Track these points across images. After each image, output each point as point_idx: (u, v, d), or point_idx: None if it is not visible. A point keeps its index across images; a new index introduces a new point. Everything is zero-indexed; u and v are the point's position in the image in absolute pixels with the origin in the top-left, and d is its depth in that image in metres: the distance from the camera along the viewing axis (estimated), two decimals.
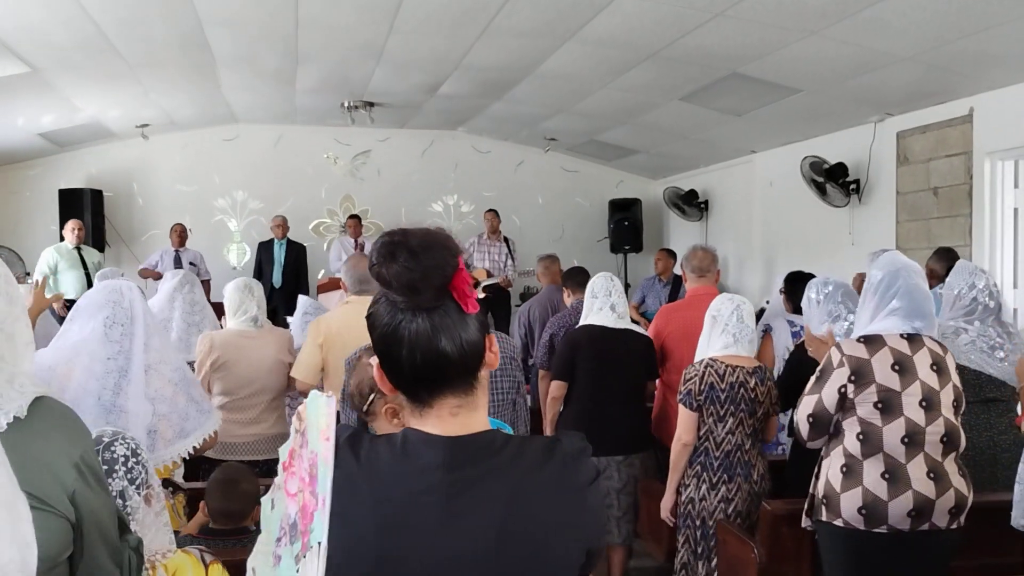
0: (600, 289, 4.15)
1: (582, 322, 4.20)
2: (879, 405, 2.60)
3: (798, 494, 3.00)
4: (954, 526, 2.63)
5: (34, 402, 1.36)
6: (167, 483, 2.59)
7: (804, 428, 2.72)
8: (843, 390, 2.63)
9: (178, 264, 8.45)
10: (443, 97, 8.17)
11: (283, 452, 1.31)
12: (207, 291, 7.36)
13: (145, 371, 2.52)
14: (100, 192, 9.37)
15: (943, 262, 4.87)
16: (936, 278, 4.79)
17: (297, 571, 1.21)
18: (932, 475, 2.58)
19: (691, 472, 3.43)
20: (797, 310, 4.29)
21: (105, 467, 1.71)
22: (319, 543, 1.18)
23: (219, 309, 4.94)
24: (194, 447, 2.62)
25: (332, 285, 8.25)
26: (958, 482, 2.63)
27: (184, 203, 9.76)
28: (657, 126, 8.20)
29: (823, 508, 2.68)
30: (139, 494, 1.74)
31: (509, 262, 9.31)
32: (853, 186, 6.88)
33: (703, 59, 5.90)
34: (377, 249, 1.21)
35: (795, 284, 4.51)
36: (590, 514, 1.27)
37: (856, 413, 2.63)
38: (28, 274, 7.93)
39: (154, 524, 1.76)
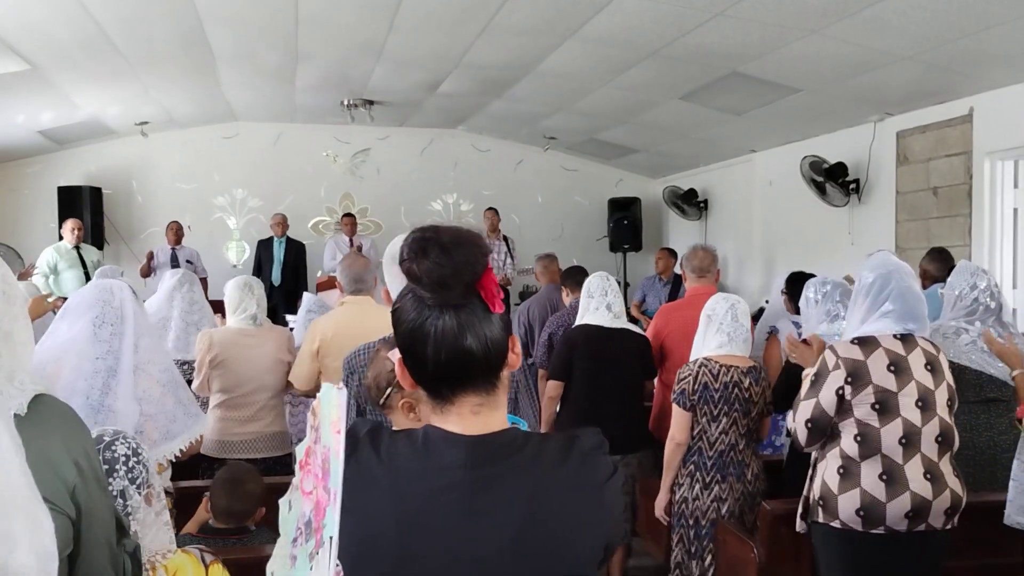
0: (596, 288, 4.14)
1: (578, 322, 4.19)
2: (876, 406, 2.59)
3: (796, 494, 3.00)
4: (948, 526, 2.63)
5: (34, 399, 1.37)
6: None
7: (803, 433, 2.70)
8: (840, 392, 2.62)
9: (175, 262, 8.44)
10: (443, 95, 8.17)
11: (300, 451, 1.31)
12: (204, 289, 7.35)
13: (134, 371, 2.52)
14: (99, 190, 9.37)
15: (936, 263, 4.85)
16: (929, 279, 4.77)
17: (311, 568, 1.21)
18: (929, 476, 2.58)
19: (685, 471, 3.44)
20: (799, 311, 4.28)
21: (106, 466, 1.71)
22: (331, 538, 1.18)
23: (217, 307, 4.95)
24: (180, 450, 2.61)
25: (331, 283, 8.24)
26: (953, 482, 2.63)
27: (183, 201, 9.75)
28: (657, 125, 8.20)
29: (819, 510, 2.67)
30: (140, 493, 1.74)
31: (508, 261, 9.32)
32: (853, 186, 6.88)
33: (703, 58, 5.90)
34: (408, 245, 1.21)
35: (797, 285, 4.49)
36: (608, 510, 1.28)
37: (853, 415, 2.62)
38: (33, 265, 7.89)
39: (155, 524, 1.75)
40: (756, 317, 5.53)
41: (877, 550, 2.59)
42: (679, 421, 3.43)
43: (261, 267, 9.23)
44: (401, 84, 7.82)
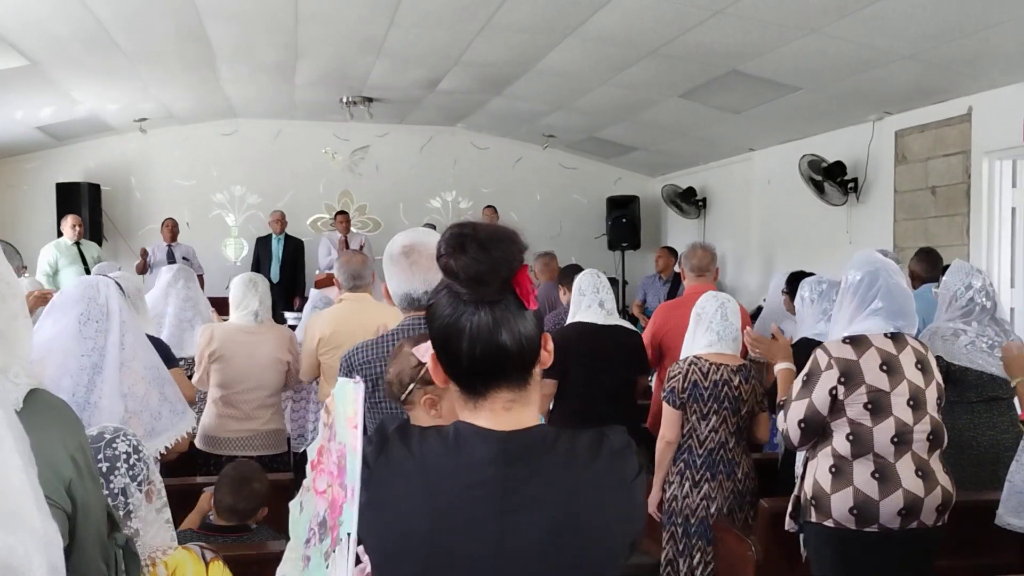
0: (588, 286, 4.13)
1: (570, 319, 4.17)
2: (869, 406, 2.59)
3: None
4: (940, 523, 2.64)
5: (28, 394, 1.37)
6: None
7: (795, 433, 2.70)
8: (834, 392, 2.62)
9: (171, 259, 8.43)
10: (442, 93, 8.17)
11: (311, 451, 1.31)
12: (200, 285, 7.34)
13: (119, 368, 2.51)
14: (98, 186, 9.35)
15: (924, 263, 4.83)
16: (918, 279, 4.76)
17: (327, 567, 1.21)
18: (920, 473, 2.59)
19: (675, 470, 3.44)
20: None
21: (107, 464, 1.71)
22: (348, 534, 1.18)
23: (215, 303, 4.95)
24: (165, 447, 2.61)
25: (329, 281, 8.23)
26: (944, 480, 2.64)
27: (182, 198, 9.74)
28: (656, 123, 8.20)
29: (811, 509, 2.67)
30: (140, 491, 1.74)
31: None
32: (851, 185, 6.89)
33: (703, 56, 5.90)
34: (446, 240, 1.23)
35: (797, 284, 4.50)
36: (637, 507, 1.30)
37: (846, 414, 2.62)
38: (25, 268, 7.90)
39: (155, 521, 1.75)
40: (754, 316, 5.55)
41: (870, 549, 2.60)
42: (669, 419, 3.44)
43: (259, 264, 9.20)
44: (401, 81, 7.82)
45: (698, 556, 3.38)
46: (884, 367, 2.60)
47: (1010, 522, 2.82)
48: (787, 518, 2.81)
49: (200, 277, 8.23)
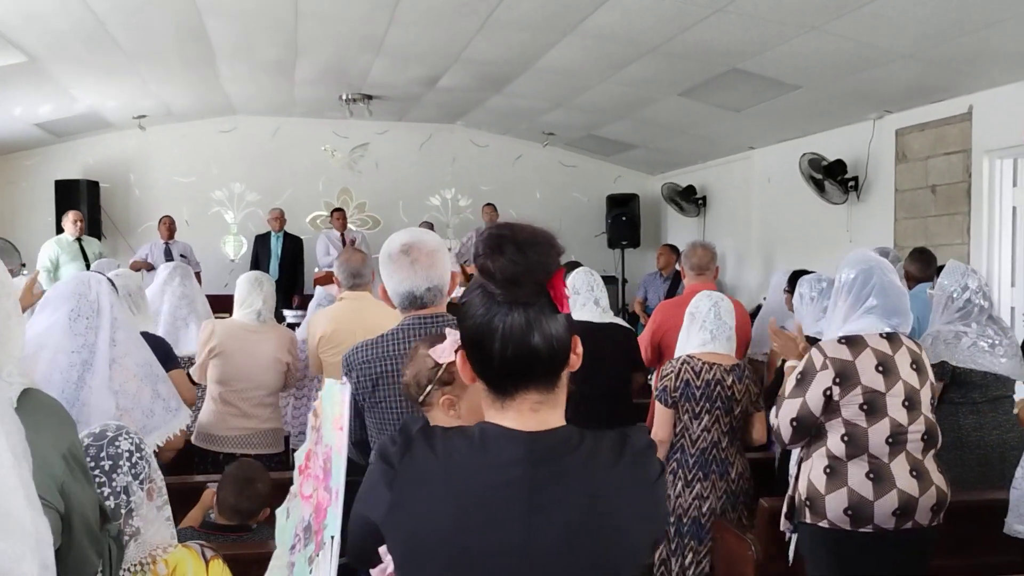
0: (582, 284, 4.13)
1: None
2: (864, 407, 2.59)
3: None
4: (934, 523, 2.64)
5: (22, 394, 1.37)
6: None
7: (787, 432, 2.69)
8: (828, 392, 2.61)
9: (168, 256, 8.42)
10: (442, 90, 8.16)
11: (299, 456, 1.30)
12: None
13: (109, 365, 2.51)
14: (96, 183, 9.34)
15: (918, 263, 4.82)
16: (912, 279, 4.76)
17: (310, 572, 1.20)
18: (915, 473, 2.59)
19: (667, 469, 3.44)
20: None
21: (110, 462, 1.71)
22: (332, 537, 1.18)
23: (212, 300, 4.94)
24: (157, 445, 2.60)
25: (328, 279, 8.22)
26: (938, 480, 2.64)
27: (181, 195, 9.73)
28: (656, 121, 8.20)
29: (806, 510, 2.67)
30: (142, 489, 1.73)
31: None
32: (851, 183, 6.88)
33: (703, 54, 5.89)
34: (484, 241, 1.23)
35: None
36: (659, 507, 1.32)
37: (841, 415, 2.62)
38: (23, 265, 7.88)
39: (156, 519, 1.75)
40: (754, 314, 5.55)
41: (865, 549, 2.60)
42: (661, 418, 3.44)
43: (258, 262, 9.18)
44: (400, 79, 7.81)
45: (690, 556, 3.38)
46: (880, 368, 2.60)
47: (1018, 529, 2.82)
48: (782, 518, 2.81)
49: (197, 274, 8.24)
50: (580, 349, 1.30)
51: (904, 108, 6.34)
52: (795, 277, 4.72)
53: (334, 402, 1.25)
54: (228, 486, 2.76)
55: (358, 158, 10.26)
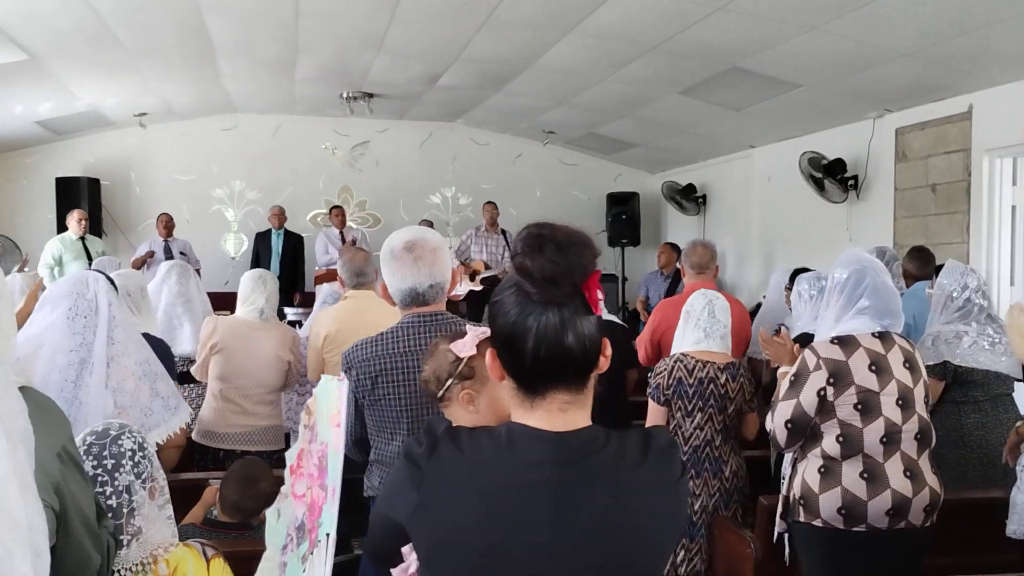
0: None
1: None
2: (859, 406, 2.59)
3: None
4: (928, 524, 2.64)
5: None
6: None
7: (782, 434, 2.69)
8: (822, 393, 2.62)
9: (168, 254, 8.41)
10: (442, 89, 8.16)
11: (291, 456, 1.30)
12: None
13: (107, 364, 2.51)
14: (97, 181, 9.34)
15: (916, 261, 4.83)
16: (910, 277, 4.77)
17: (304, 571, 1.20)
18: (909, 473, 2.60)
19: None
20: None
21: (112, 461, 1.71)
22: (327, 535, 1.18)
23: (212, 298, 4.94)
24: (157, 443, 2.60)
25: (330, 276, 8.23)
26: (932, 480, 2.65)
27: (181, 192, 9.74)
28: (656, 120, 8.19)
29: (800, 509, 2.67)
30: (144, 488, 1.74)
31: (507, 254, 9.30)
32: (851, 182, 6.88)
33: (703, 53, 5.89)
34: (523, 240, 1.24)
35: None
36: (682, 505, 1.33)
37: (836, 416, 2.62)
38: (26, 261, 7.86)
39: (158, 518, 1.76)
40: (754, 313, 5.55)
41: (858, 548, 2.60)
42: (653, 415, 3.44)
43: (259, 260, 9.17)
44: (401, 77, 7.81)
45: (682, 553, 3.37)
46: (873, 367, 2.60)
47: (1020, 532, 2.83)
48: (777, 518, 2.81)
49: (196, 271, 8.24)
50: (610, 351, 1.30)
51: (904, 107, 6.34)
52: (796, 275, 4.73)
53: (330, 398, 1.25)
54: (231, 484, 2.76)
55: (358, 156, 10.26)
